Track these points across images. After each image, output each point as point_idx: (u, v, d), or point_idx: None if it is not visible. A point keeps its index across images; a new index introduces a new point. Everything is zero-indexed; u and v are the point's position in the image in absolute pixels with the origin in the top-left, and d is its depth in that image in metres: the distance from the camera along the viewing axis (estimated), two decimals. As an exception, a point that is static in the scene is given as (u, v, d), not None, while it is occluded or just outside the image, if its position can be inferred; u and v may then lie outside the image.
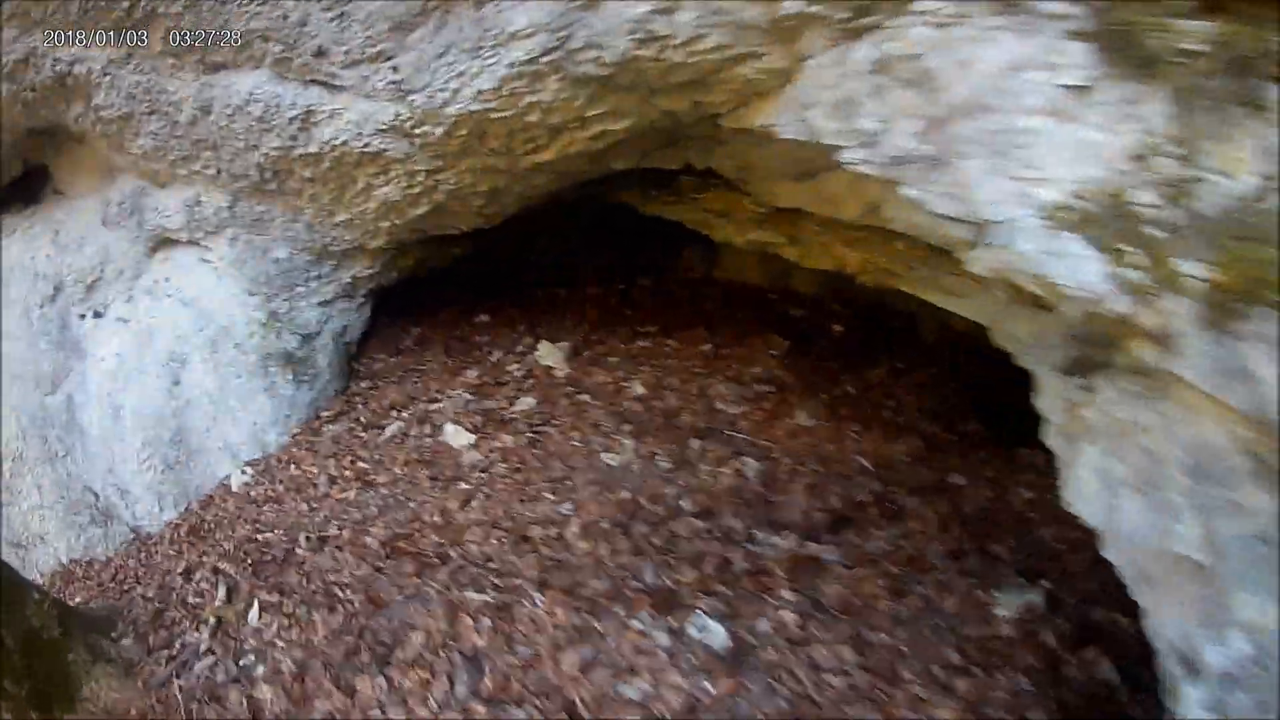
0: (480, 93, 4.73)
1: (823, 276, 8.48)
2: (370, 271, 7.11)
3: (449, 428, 6.41)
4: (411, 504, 5.70)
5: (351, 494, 5.97)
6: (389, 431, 6.60)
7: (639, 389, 6.89)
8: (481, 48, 4.55)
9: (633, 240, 9.46)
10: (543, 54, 4.37)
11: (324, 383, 7.15)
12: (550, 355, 7.36)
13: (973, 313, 5.46)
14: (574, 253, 9.65)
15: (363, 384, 7.39)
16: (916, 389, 7.26)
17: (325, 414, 7.03)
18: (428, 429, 6.52)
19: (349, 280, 7.10)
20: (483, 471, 5.92)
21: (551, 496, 5.54)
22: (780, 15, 3.66)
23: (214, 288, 6.94)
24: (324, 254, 6.79)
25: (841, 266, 6.43)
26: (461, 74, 4.73)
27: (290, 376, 6.95)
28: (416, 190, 5.81)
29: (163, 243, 7.18)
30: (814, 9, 3.52)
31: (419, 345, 7.88)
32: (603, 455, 6.00)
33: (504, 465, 5.95)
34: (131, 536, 6.33)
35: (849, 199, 5.20)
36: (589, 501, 5.43)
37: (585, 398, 6.79)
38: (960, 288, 5.57)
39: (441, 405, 6.78)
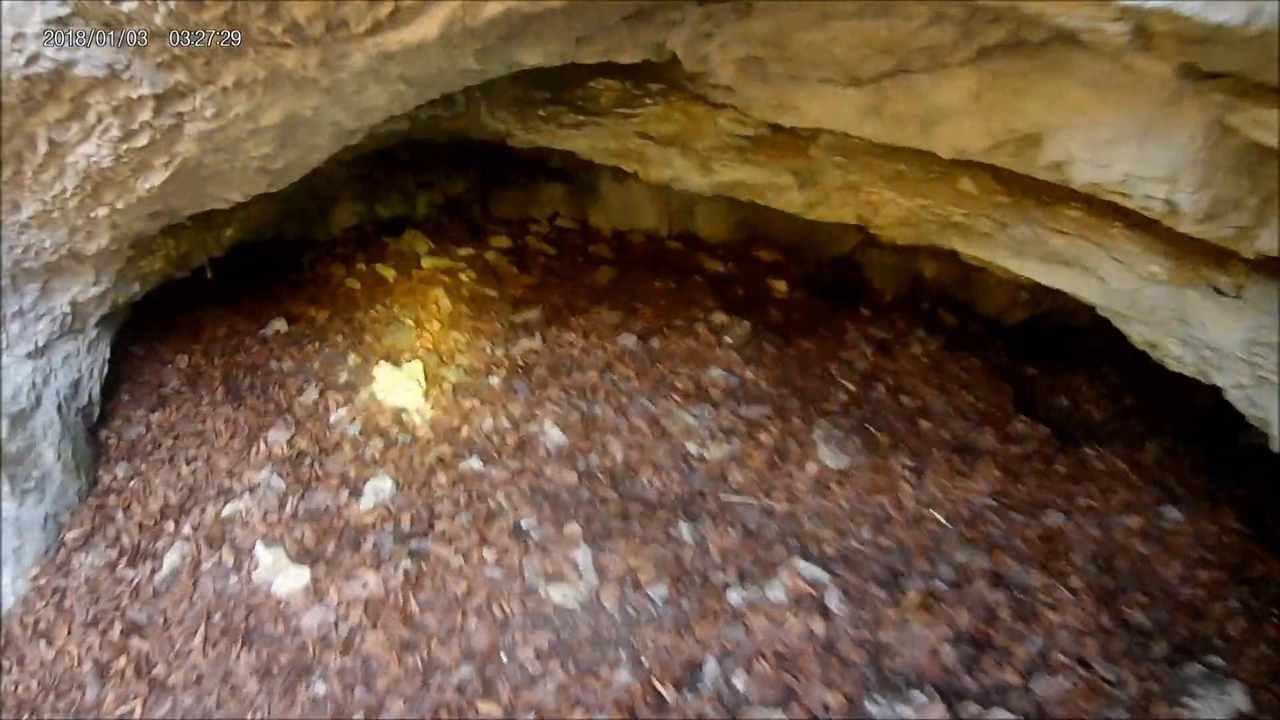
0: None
1: (733, 213, 6.42)
2: (98, 290, 4.30)
3: (263, 554, 3.75)
4: (235, 732, 3.07)
5: (136, 709, 3.30)
6: (168, 565, 3.90)
7: (556, 435, 4.37)
8: None
9: (448, 169, 6.99)
10: None
11: (58, 485, 4.31)
12: (395, 386, 4.70)
13: (1110, 301, 3.80)
14: (383, 206, 7.01)
15: (117, 470, 4.55)
16: (929, 374, 5.23)
17: (71, 535, 4.21)
18: (228, 558, 3.83)
19: (66, 308, 4.27)
20: (344, 653, 3.30)
21: (487, 702, 2.98)
22: None
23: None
24: (19, 275, 3.95)
25: (868, 221, 4.11)
26: None
27: (6, 488, 4.10)
28: (142, 144, 3.01)
29: None
30: None
31: (190, 385, 5.04)
32: (547, 590, 3.49)
33: (379, 636, 3.35)
34: None
35: (975, 119, 2.86)
36: (563, 704, 2.91)
37: (475, 465, 4.21)
38: (1079, 252, 3.38)
39: (241, 506, 4.07)
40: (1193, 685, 3.28)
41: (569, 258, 6.41)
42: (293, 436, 4.47)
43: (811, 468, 4.16)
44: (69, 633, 3.73)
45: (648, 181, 4.69)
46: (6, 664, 3.66)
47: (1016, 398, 5.09)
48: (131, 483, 4.44)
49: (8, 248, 3.70)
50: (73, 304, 4.27)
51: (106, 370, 4.81)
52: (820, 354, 5.28)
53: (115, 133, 2.94)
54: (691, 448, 4.30)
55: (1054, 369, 5.57)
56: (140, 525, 4.16)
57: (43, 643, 3.72)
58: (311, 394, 4.81)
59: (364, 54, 2.58)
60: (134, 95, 2.73)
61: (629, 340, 5.11)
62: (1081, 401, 5.35)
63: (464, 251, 6.35)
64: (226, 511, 4.06)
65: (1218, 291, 3.24)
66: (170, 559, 3.91)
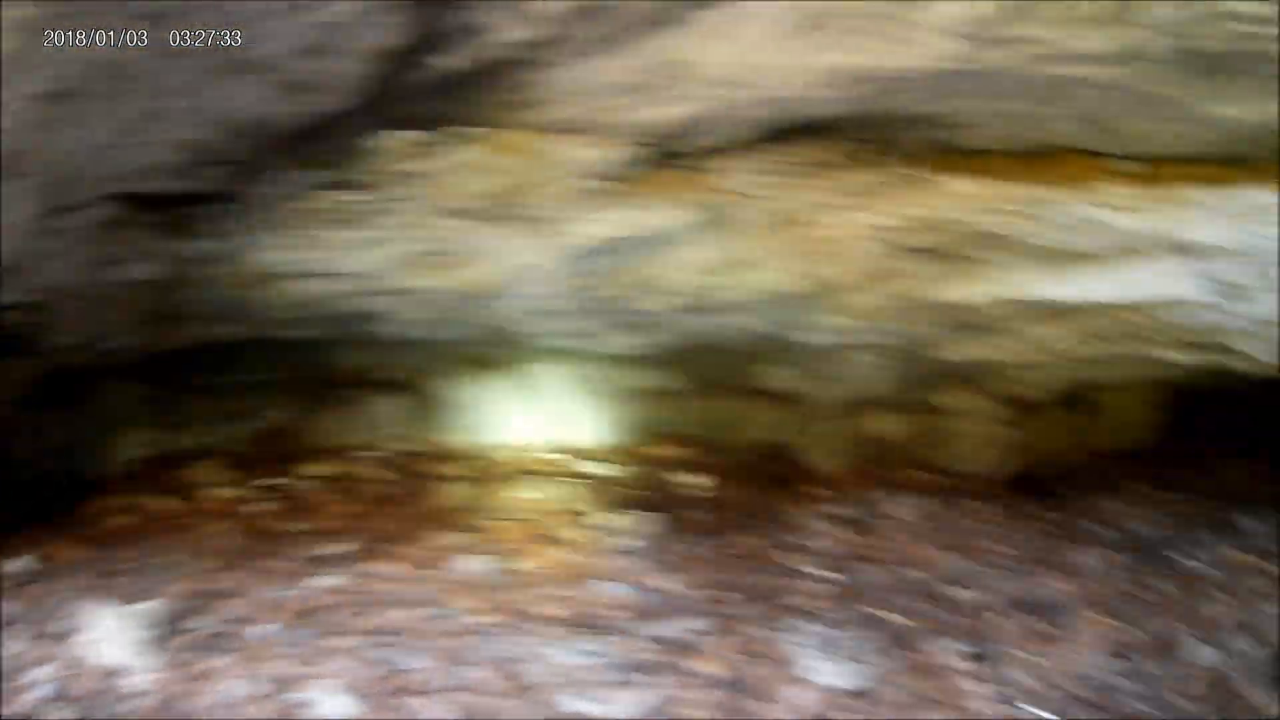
0: None
1: (627, 415, 5.69)
2: None
3: None
4: None
5: None
6: None
7: (335, 707, 2.79)
8: None
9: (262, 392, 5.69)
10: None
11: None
12: (120, 635, 3.05)
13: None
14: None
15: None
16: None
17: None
18: None
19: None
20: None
21: None
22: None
23: None
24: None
25: (819, 280, 3.09)
26: None
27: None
28: None
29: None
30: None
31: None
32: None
33: None
34: None
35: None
36: None
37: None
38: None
39: None
40: None
41: (410, 480, 5.03)
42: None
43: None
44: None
45: (482, 294, 3.24)
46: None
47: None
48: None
49: None
50: None
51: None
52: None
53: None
54: (565, 700, 2.73)
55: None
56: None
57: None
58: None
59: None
60: None
61: (473, 564, 3.74)
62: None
63: (265, 481, 4.92)
64: None
65: None
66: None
